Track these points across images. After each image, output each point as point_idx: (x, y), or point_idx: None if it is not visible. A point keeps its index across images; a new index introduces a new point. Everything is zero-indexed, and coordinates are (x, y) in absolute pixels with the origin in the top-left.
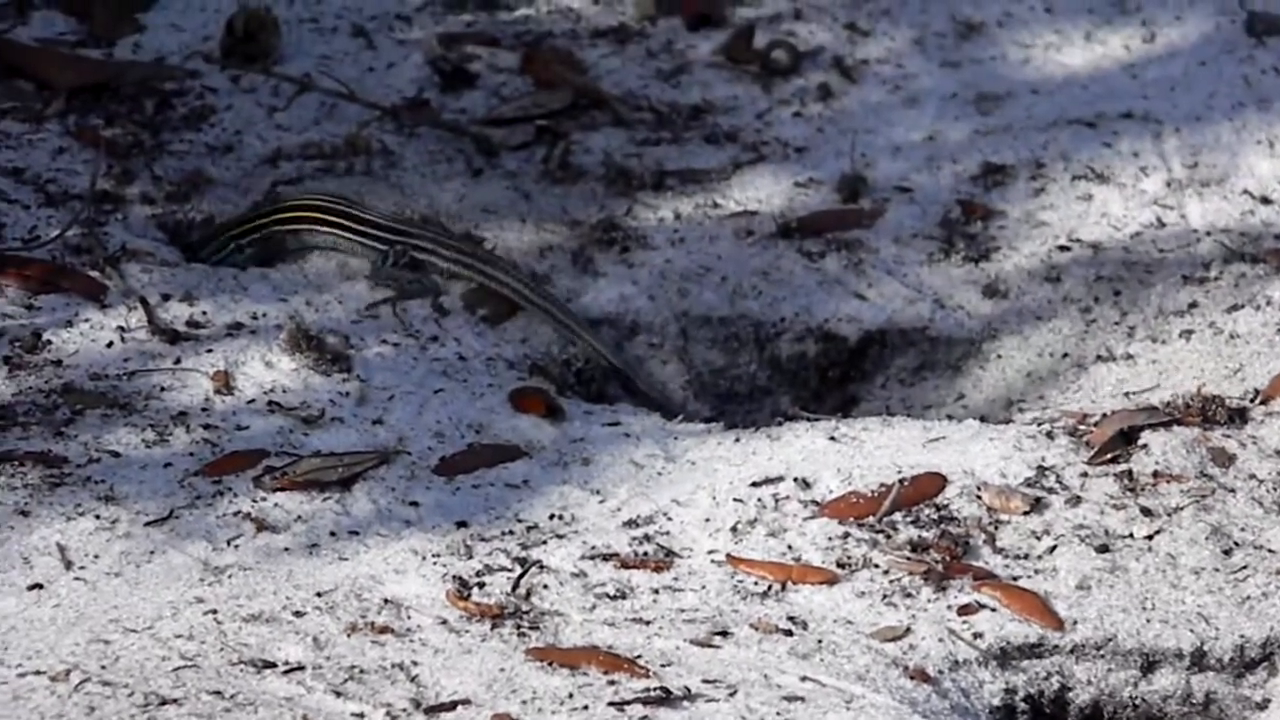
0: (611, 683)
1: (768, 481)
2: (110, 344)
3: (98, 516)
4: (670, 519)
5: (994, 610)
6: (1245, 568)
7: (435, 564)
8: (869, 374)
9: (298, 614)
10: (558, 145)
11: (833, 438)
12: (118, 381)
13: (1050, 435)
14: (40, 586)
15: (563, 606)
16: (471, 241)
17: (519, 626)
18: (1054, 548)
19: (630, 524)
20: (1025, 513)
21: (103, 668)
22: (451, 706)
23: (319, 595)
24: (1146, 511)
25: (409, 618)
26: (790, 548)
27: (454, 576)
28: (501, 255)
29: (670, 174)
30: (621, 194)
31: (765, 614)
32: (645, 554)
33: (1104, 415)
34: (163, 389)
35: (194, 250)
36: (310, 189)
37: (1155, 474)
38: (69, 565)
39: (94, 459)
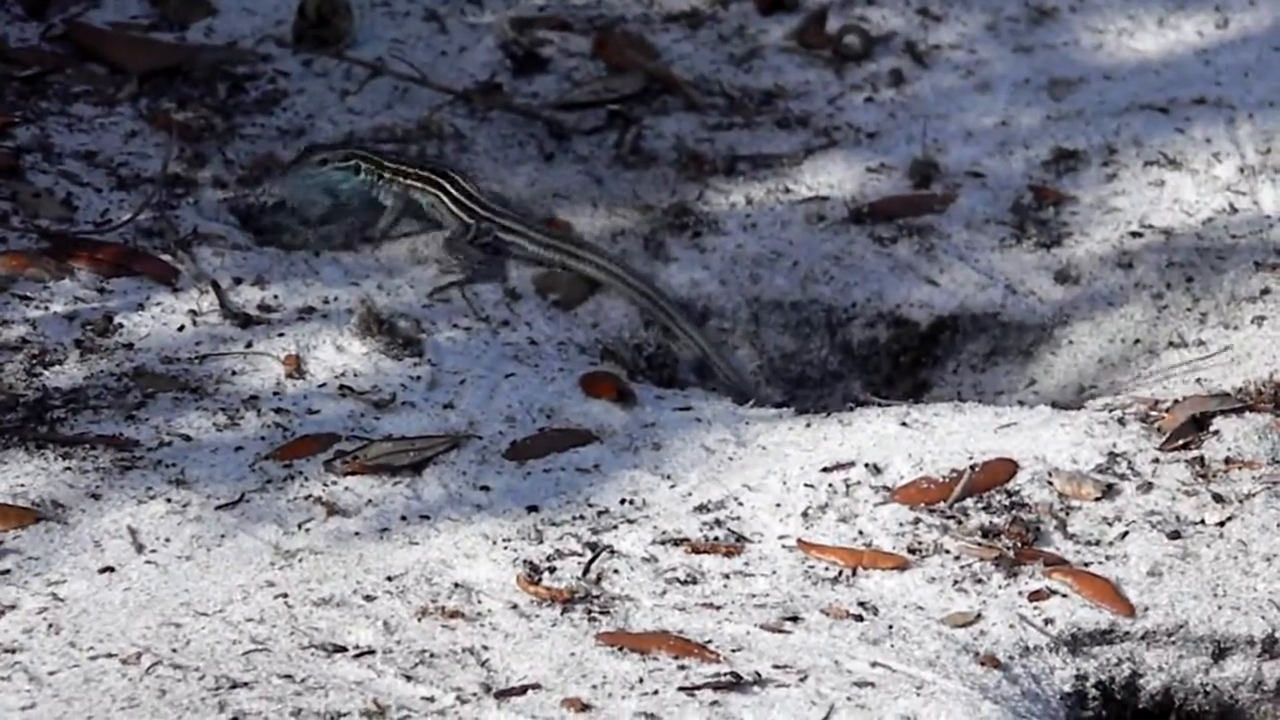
0: (682, 667)
1: (839, 467)
2: (181, 327)
3: (169, 500)
4: (741, 504)
5: (1065, 596)
6: None
7: (506, 548)
8: (940, 359)
9: (368, 598)
10: (629, 130)
11: (904, 423)
12: (189, 365)
13: (1122, 421)
14: (111, 570)
15: (633, 591)
16: (560, 226)
17: (589, 611)
18: (1125, 534)
19: (701, 509)
20: (1096, 499)
21: (173, 651)
22: (522, 691)
23: (389, 579)
24: (1218, 498)
25: (479, 602)
26: (861, 533)
27: (524, 561)
28: (591, 240)
29: (742, 159)
30: (693, 179)
31: (836, 599)
32: (716, 539)
33: (1175, 401)
34: (234, 372)
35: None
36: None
37: (1227, 460)
38: (140, 548)
39: (165, 442)
